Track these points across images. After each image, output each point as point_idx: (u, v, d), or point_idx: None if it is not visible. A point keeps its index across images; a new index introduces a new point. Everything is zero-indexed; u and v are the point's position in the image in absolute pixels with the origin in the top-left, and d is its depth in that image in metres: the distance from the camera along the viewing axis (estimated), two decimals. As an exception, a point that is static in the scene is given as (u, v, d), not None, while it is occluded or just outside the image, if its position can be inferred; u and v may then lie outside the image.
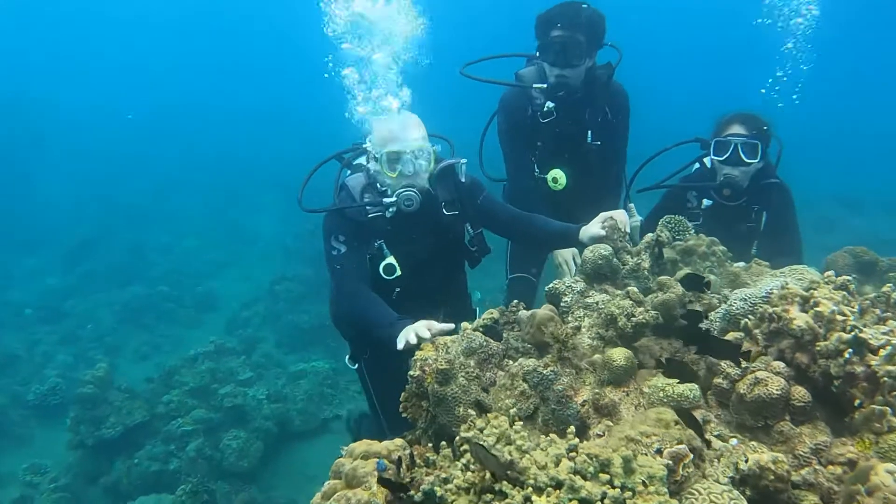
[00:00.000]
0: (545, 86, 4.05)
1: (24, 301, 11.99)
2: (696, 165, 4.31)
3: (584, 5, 3.98)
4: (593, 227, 3.17)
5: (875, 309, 2.14)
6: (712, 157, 4.01)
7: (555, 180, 4.30)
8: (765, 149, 3.96)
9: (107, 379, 7.50)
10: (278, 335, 10.23)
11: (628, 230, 3.17)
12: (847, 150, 16.51)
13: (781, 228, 4.06)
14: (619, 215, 3.16)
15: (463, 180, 3.56)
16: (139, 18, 31.28)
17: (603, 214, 3.20)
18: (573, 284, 2.85)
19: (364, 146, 3.52)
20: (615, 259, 2.95)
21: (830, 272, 2.28)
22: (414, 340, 2.69)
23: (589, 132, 4.28)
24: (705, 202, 4.17)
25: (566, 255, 4.16)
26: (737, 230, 4.09)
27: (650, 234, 3.20)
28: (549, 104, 4.11)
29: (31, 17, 30.66)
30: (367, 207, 3.36)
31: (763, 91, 5.12)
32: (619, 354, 2.30)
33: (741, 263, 3.64)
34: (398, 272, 3.41)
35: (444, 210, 3.50)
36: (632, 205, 4.39)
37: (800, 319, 2.02)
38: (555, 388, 2.29)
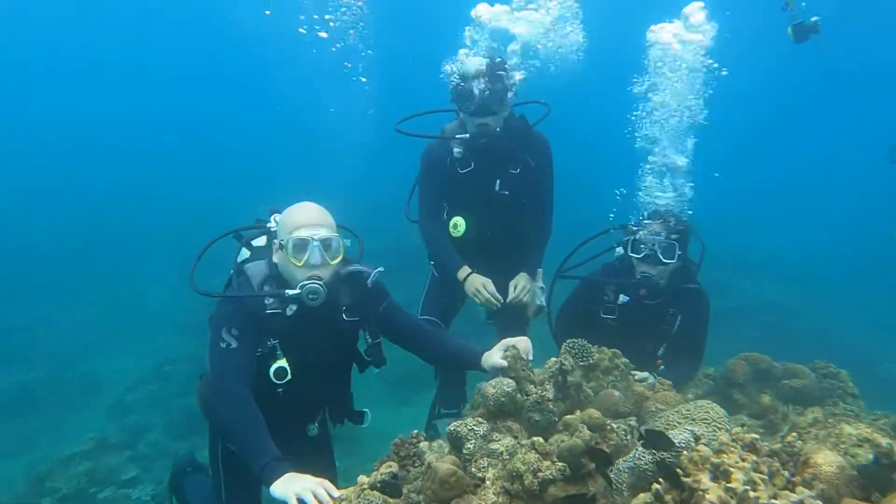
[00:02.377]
0: (467, 136, 4.21)
1: None
2: (620, 250, 4.30)
3: (497, 58, 4.19)
4: (495, 356, 3.03)
5: (784, 471, 2.07)
6: (630, 254, 4.01)
7: (455, 226, 4.41)
8: (683, 248, 3.98)
9: (-34, 493, 6.69)
10: (167, 420, 9.48)
11: (531, 357, 3.04)
12: (736, 210, 17.40)
13: (691, 336, 4.08)
14: (521, 343, 3.04)
15: (369, 286, 3.38)
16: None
17: (505, 341, 3.07)
18: (476, 427, 2.67)
19: (268, 225, 3.39)
20: (519, 395, 2.81)
21: (738, 429, 2.21)
22: (311, 501, 2.48)
23: (497, 181, 4.37)
24: (622, 297, 4.16)
25: None
26: (650, 329, 4.09)
27: (553, 359, 3.09)
28: (457, 150, 4.26)
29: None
30: (266, 301, 3.16)
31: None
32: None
33: (644, 375, 3.60)
34: (289, 376, 3.18)
35: (343, 315, 3.34)
36: (540, 270, 4.50)
37: (712, 494, 1.92)
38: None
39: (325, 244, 3.14)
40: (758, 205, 17.86)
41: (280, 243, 3.19)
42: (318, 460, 3.63)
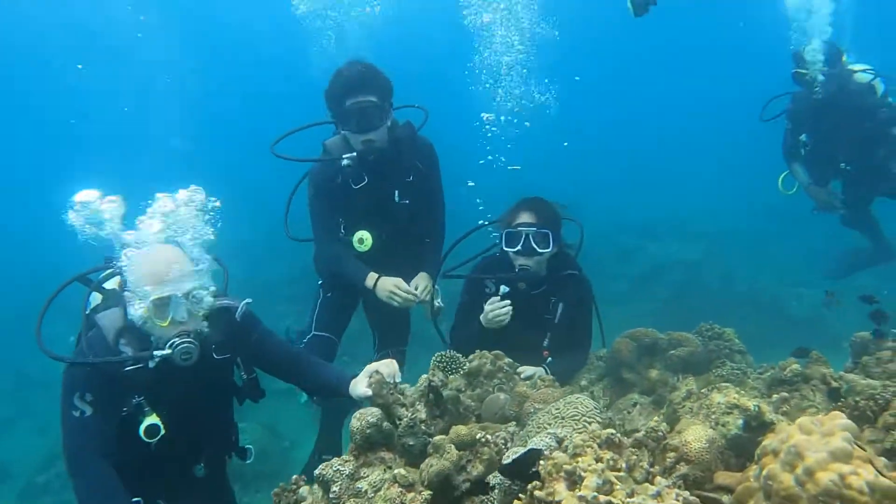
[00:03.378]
0: (354, 154, 4.09)
1: None
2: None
3: (365, 65, 4.10)
4: (360, 385, 2.88)
5: (643, 462, 1.97)
6: (504, 248, 3.90)
7: (361, 241, 4.30)
8: (556, 235, 3.89)
9: None
10: (86, 494, 8.90)
11: (398, 379, 2.88)
12: (632, 179, 17.73)
13: (574, 323, 4.00)
14: (385, 368, 2.88)
15: (238, 319, 3.17)
16: None
17: (369, 367, 2.92)
18: (341, 467, 2.49)
19: (118, 263, 2.98)
20: (385, 423, 2.64)
21: (595, 427, 2.11)
22: None
23: (396, 192, 4.32)
24: (503, 289, 4.04)
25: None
26: (533, 319, 4.00)
27: (424, 376, 2.95)
28: (346, 161, 4.10)
29: None
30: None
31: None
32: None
33: (530, 373, 3.50)
34: (162, 432, 2.91)
35: (213, 354, 3.08)
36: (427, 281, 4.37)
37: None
38: None
39: (191, 296, 2.89)
40: (654, 175, 18.21)
41: (138, 299, 2.86)
42: (212, 500, 3.47)
